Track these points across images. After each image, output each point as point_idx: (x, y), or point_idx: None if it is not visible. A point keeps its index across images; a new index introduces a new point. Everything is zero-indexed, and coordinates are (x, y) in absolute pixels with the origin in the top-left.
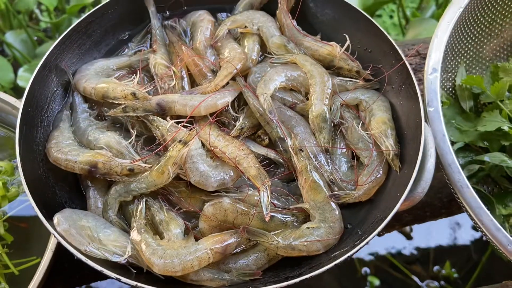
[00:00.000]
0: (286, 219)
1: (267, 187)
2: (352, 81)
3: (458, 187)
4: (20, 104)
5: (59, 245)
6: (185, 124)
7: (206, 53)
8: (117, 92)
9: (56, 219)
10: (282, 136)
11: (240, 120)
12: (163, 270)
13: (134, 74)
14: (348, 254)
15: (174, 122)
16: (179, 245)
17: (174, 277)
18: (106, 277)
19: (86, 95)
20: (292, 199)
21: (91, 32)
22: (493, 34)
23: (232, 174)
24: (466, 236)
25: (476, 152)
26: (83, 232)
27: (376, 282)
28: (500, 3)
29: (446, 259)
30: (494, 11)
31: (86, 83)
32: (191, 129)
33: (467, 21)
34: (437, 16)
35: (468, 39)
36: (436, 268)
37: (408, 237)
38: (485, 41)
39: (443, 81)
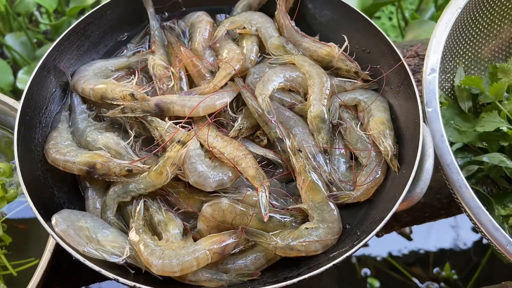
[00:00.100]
0: (285, 219)
1: (266, 188)
2: (350, 81)
3: (457, 187)
4: (18, 105)
5: (57, 246)
6: (183, 124)
7: (204, 54)
8: (116, 93)
9: (54, 219)
10: (281, 137)
11: (239, 120)
12: (161, 270)
13: (133, 75)
14: (347, 254)
15: (173, 122)
16: (177, 246)
17: (173, 278)
18: (104, 278)
19: (85, 96)
20: (291, 200)
21: (90, 33)
22: (491, 35)
23: (230, 175)
24: (466, 238)
25: (475, 152)
26: (81, 233)
27: (376, 283)
28: (499, 4)
29: (446, 260)
30: (493, 12)
31: (84, 84)
32: (189, 130)
33: (466, 22)
34: (436, 18)
35: (467, 39)
36: (436, 269)
37: (408, 238)
38: (484, 42)
39: (442, 82)
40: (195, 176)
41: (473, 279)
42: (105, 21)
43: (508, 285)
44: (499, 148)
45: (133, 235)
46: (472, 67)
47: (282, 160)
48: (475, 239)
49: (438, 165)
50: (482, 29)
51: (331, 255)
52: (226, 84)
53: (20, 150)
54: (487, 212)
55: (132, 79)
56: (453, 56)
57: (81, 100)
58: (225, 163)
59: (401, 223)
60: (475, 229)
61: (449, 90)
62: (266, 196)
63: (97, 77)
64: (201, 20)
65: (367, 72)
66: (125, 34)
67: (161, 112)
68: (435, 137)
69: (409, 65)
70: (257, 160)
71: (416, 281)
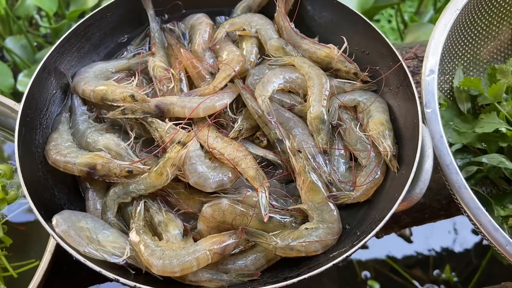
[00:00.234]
0: (285, 220)
1: (266, 188)
2: (350, 82)
3: (456, 188)
4: (19, 107)
5: (57, 248)
6: (183, 125)
7: (204, 55)
8: (116, 94)
9: (55, 220)
10: (281, 138)
11: (239, 121)
12: (161, 270)
13: (133, 77)
14: (347, 254)
15: (173, 124)
16: (177, 246)
17: (173, 278)
18: (104, 280)
19: (85, 97)
20: (291, 200)
21: (90, 35)
22: (490, 36)
23: (230, 175)
24: (466, 240)
25: (474, 153)
26: (82, 233)
27: (376, 286)
28: (497, 6)
29: (446, 263)
30: (491, 14)
31: (85, 86)
32: (189, 131)
33: (464, 23)
34: (435, 21)
35: (466, 41)
36: (436, 272)
37: (408, 240)
38: (482, 43)
39: (441, 83)
40: (195, 177)
41: (473, 281)
42: (106, 23)
43: (508, 286)
44: (498, 149)
45: (133, 235)
46: (471, 68)
47: (282, 160)
48: (475, 241)
49: (437, 166)
50: (481, 31)
51: (331, 255)
52: (226, 85)
53: (21, 151)
54: (486, 213)
55: (133, 80)
56: (452, 58)
57: (82, 102)
58: (225, 164)
59: (400, 224)
60: (475, 231)
61: (448, 91)
62: (266, 196)
63: (97, 78)
64: (201, 22)
65: (366, 73)
66: (125, 36)
67: (161, 113)
68: (434, 137)
69: (408, 66)
70: (257, 161)
71: (416, 283)
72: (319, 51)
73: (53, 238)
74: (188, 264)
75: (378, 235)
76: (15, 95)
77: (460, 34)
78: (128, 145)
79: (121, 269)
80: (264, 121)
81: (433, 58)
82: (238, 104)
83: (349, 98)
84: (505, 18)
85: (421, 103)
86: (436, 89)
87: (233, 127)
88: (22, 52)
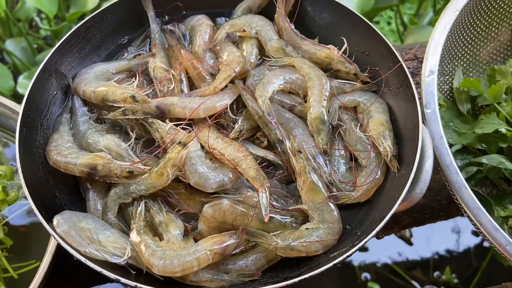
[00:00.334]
0: (285, 220)
1: (266, 188)
2: (350, 83)
3: (456, 188)
4: (19, 108)
5: (58, 248)
6: (184, 126)
7: (205, 56)
8: (117, 95)
9: (56, 220)
10: (281, 138)
11: (239, 122)
12: (162, 271)
13: (134, 78)
14: (347, 254)
15: (173, 124)
16: (178, 246)
17: (174, 278)
18: (105, 281)
19: (86, 98)
20: (291, 200)
21: (91, 37)
22: (489, 37)
23: (231, 176)
24: (466, 241)
25: (474, 154)
26: (83, 234)
27: None
28: (496, 7)
29: (446, 264)
30: (490, 15)
31: (85, 87)
32: (190, 131)
33: (464, 24)
34: (434, 23)
35: (465, 42)
36: (436, 273)
37: (408, 242)
38: (482, 44)
39: (441, 84)
40: (196, 177)
41: (473, 283)
42: (106, 24)
43: (508, 286)
44: (498, 149)
45: (134, 236)
46: (471, 69)
47: (282, 161)
48: (476, 242)
49: (437, 167)
50: (480, 32)
51: (331, 255)
52: (226, 86)
53: (21, 152)
54: (486, 213)
55: (133, 81)
56: (452, 59)
57: (82, 103)
58: (225, 164)
59: (400, 224)
60: (475, 233)
61: (448, 92)
62: (267, 197)
63: (98, 79)
64: (201, 23)
65: (366, 74)
66: (126, 37)
67: (162, 114)
68: (434, 138)
69: (407, 68)
70: (258, 161)
71: (417, 285)
72: (319, 52)
73: (54, 238)
74: (189, 264)
75: (378, 236)
76: (15, 97)
77: (460, 35)
78: (129, 145)
79: (122, 270)
80: (264, 121)
81: (433, 59)
82: (239, 104)
83: (349, 98)
84: (505, 19)
85: (421, 103)
86: (436, 89)
87: (234, 128)
88: (22, 55)
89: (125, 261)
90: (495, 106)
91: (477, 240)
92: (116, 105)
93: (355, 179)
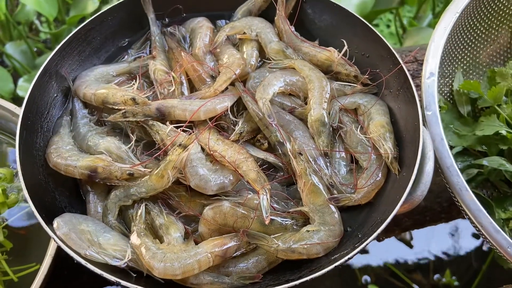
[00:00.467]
0: (286, 222)
1: (267, 191)
2: (350, 85)
3: (457, 190)
4: (19, 111)
5: (58, 251)
6: (184, 128)
7: (205, 59)
8: (117, 98)
9: (56, 223)
10: (281, 140)
11: (240, 124)
12: (163, 273)
13: (134, 80)
14: (348, 256)
15: (174, 126)
16: (179, 249)
17: (174, 281)
18: (105, 284)
19: (86, 101)
20: (292, 203)
21: (91, 39)
22: (489, 39)
23: (231, 178)
24: (466, 244)
25: (475, 156)
26: (83, 236)
27: None
28: (496, 9)
29: (447, 267)
30: (490, 17)
31: (86, 89)
32: (190, 134)
33: (464, 26)
34: (434, 25)
35: (465, 44)
36: (436, 276)
37: (409, 245)
38: (482, 46)
39: (441, 86)
40: (196, 180)
41: (473, 286)
42: (106, 27)
43: None
44: (498, 151)
45: (134, 238)
46: (471, 71)
47: (282, 163)
48: (476, 245)
49: (438, 169)
50: (480, 34)
51: (332, 258)
52: (226, 88)
53: (22, 154)
54: (487, 215)
55: (133, 84)
56: (452, 61)
57: (83, 105)
58: (226, 167)
59: (401, 226)
60: (475, 235)
61: (448, 94)
62: (267, 199)
63: (98, 82)
64: (201, 26)
65: (367, 76)
66: (126, 40)
67: (162, 117)
68: (435, 140)
69: (408, 70)
70: (258, 163)
71: (417, 287)
72: (319, 54)
73: (54, 241)
74: (190, 267)
75: (379, 238)
76: (15, 101)
77: (460, 37)
78: (129, 148)
79: (122, 272)
80: (265, 123)
81: (433, 61)
82: (239, 107)
83: (349, 100)
84: (505, 21)
85: (421, 105)
86: (436, 91)
87: (234, 130)
88: (22, 58)
89: (126, 264)
90: (496, 108)
91: (477, 242)
92: (116, 108)
93: (356, 181)
